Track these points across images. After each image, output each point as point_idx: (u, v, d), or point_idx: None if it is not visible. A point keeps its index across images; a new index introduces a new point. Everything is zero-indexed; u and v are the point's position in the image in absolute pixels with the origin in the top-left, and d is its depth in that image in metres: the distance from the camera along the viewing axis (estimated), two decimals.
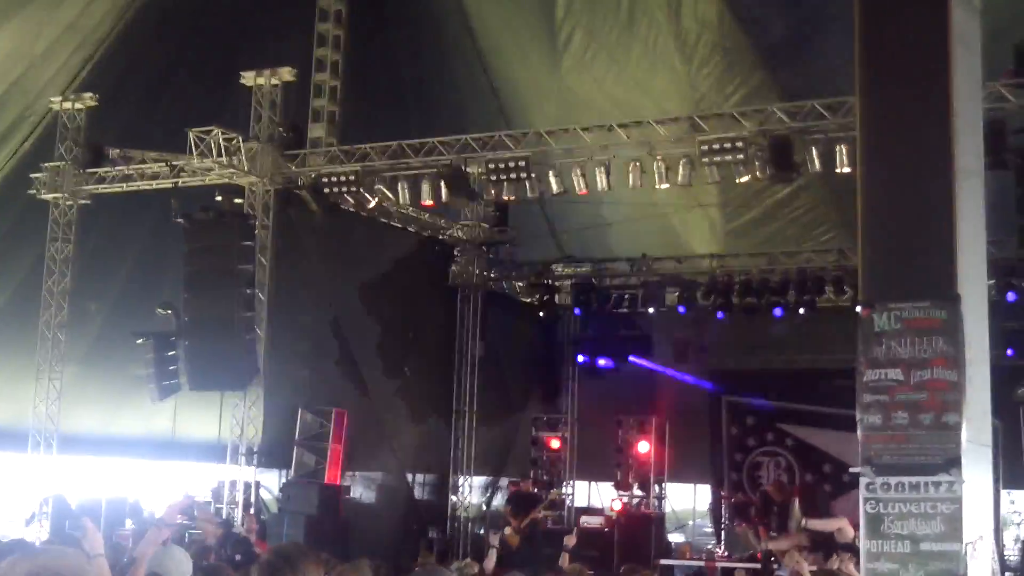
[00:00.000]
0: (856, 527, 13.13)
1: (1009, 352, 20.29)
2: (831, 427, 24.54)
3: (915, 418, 8.86)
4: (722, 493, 26.31)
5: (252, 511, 21.20)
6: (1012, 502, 23.08)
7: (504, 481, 28.02)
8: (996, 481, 15.41)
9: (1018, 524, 22.93)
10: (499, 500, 27.73)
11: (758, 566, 21.07)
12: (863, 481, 8.96)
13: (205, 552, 15.78)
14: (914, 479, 8.79)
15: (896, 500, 8.83)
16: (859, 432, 9.07)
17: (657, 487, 26.92)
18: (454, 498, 25.88)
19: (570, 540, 14.72)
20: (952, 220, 8.87)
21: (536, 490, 25.77)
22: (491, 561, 12.74)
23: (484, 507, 27.32)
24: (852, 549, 12.08)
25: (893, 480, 8.87)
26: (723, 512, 25.67)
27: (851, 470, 13.02)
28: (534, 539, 21.84)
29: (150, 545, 7.33)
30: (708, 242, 26.26)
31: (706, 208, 25.27)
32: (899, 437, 8.91)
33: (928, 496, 8.74)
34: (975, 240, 9.23)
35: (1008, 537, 22.98)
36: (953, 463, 8.69)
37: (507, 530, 18.56)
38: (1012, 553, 22.20)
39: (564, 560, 13.89)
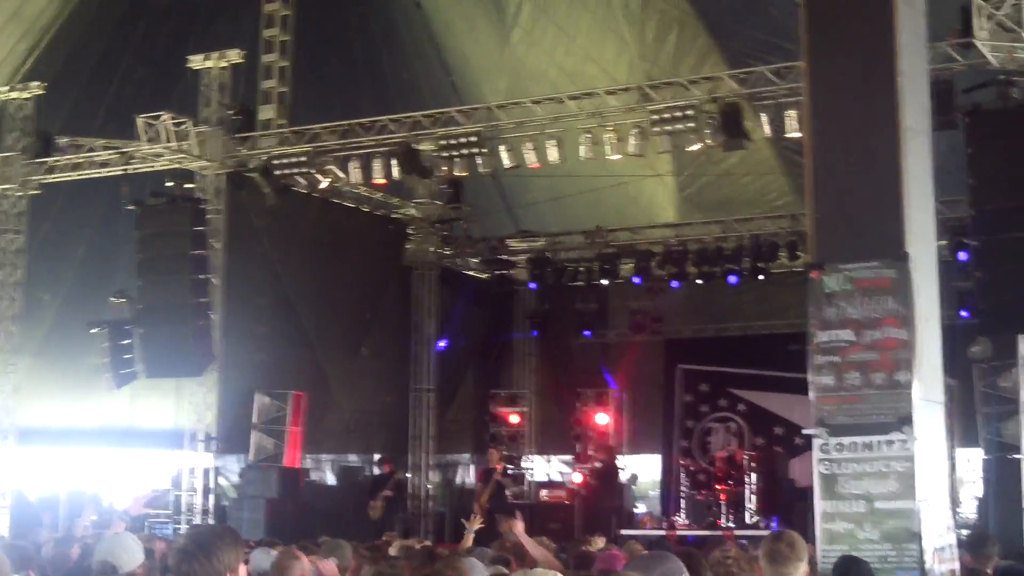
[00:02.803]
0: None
1: (963, 312, 20.33)
2: (785, 391, 24.60)
3: (867, 378, 8.92)
4: (681, 461, 26.39)
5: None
6: (968, 460, 23.26)
7: (465, 457, 28.05)
8: (951, 438, 15.60)
9: (974, 482, 23.10)
10: (462, 478, 27.80)
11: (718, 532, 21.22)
12: (816, 442, 9.01)
13: None
14: (867, 439, 8.84)
15: (850, 460, 8.88)
16: (811, 394, 9.11)
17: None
18: (414, 478, 25.83)
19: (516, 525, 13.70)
20: (899, 179, 8.92)
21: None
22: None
23: (444, 486, 27.26)
24: None
25: (847, 440, 8.92)
26: (682, 480, 25.73)
27: (804, 432, 13.09)
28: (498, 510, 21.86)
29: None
30: (665, 211, 26.28)
31: (662, 177, 25.30)
32: (852, 397, 8.96)
33: (881, 455, 8.79)
34: (923, 198, 9.27)
35: (964, 495, 23.17)
36: (905, 421, 8.76)
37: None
38: (968, 512, 22.37)
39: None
